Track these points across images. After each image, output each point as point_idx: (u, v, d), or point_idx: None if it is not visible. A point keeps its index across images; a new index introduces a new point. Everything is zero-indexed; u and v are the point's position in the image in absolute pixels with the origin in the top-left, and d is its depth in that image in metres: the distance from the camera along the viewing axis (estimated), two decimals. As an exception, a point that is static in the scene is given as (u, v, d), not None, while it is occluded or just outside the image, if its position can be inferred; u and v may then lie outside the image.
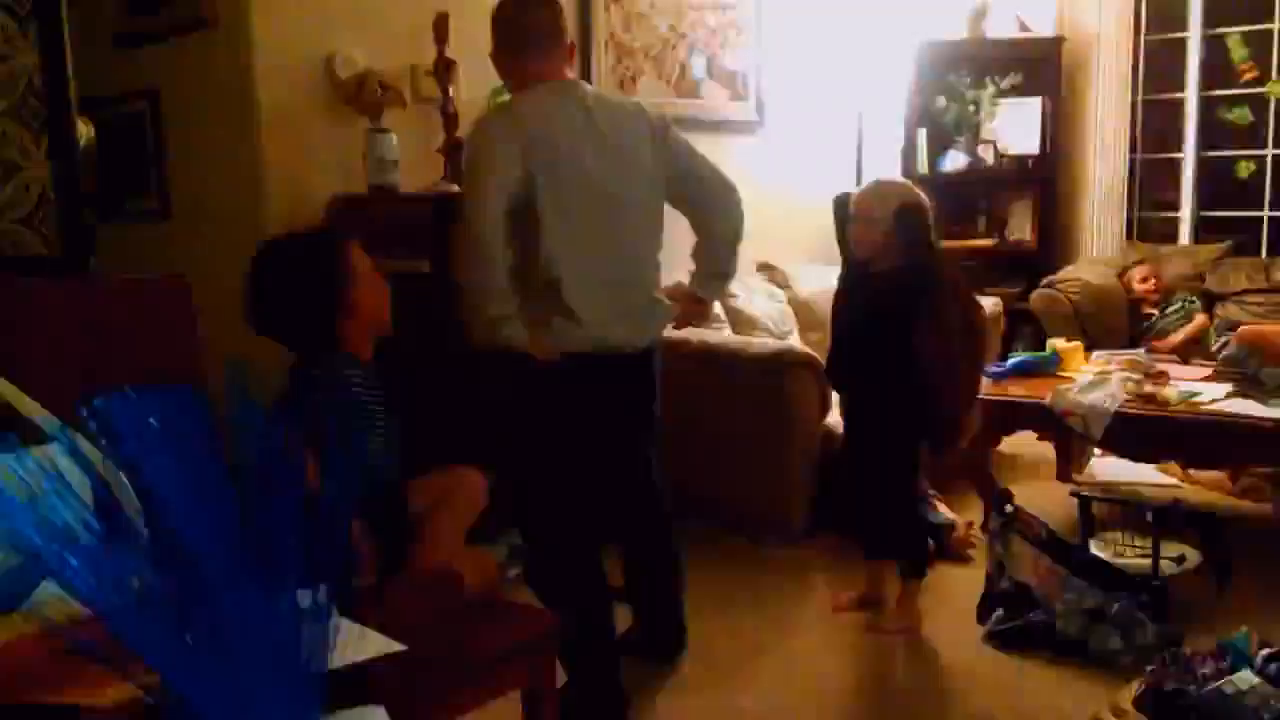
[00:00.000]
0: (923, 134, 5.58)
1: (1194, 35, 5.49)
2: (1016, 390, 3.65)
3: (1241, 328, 3.80)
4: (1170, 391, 3.39)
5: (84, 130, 2.04)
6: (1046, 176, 5.58)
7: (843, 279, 2.97)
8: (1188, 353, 4.03)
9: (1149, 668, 2.14)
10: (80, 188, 1.67)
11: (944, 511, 3.63)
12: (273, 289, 2.03)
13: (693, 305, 2.80)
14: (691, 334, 3.53)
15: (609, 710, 2.48)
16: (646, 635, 2.77)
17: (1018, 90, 5.53)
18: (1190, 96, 5.55)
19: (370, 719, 0.77)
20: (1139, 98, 5.65)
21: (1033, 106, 5.54)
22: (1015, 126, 5.57)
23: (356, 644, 0.91)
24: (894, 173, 5.58)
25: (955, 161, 5.60)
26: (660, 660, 2.73)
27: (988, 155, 5.56)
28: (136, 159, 3.60)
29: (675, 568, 2.79)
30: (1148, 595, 2.76)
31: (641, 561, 2.77)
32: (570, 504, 2.52)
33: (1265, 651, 2.08)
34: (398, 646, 0.93)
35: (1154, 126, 5.74)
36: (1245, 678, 1.96)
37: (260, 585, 0.72)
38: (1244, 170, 5.47)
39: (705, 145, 3.14)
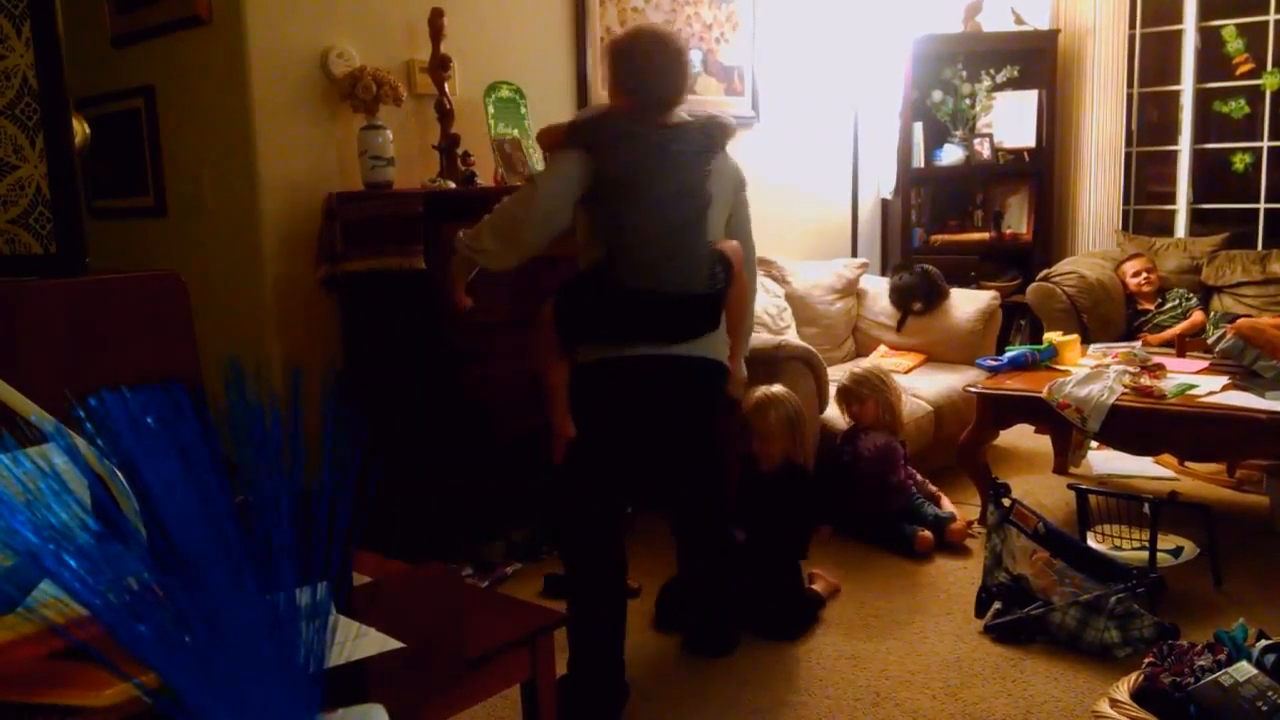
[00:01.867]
0: (919, 128, 5.58)
1: (1189, 27, 5.50)
2: (1013, 384, 3.66)
3: (1238, 320, 3.80)
4: (1166, 384, 3.39)
5: (79, 129, 2.03)
6: (1042, 170, 5.59)
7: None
8: (1183, 346, 4.04)
9: (1146, 660, 2.14)
10: (77, 186, 1.66)
11: (945, 505, 3.64)
12: None
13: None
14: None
15: (606, 700, 2.49)
16: (699, 633, 2.83)
17: (1013, 83, 5.54)
18: (1186, 89, 5.56)
19: (370, 717, 0.77)
20: (1134, 90, 5.66)
21: (1028, 100, 5.55)
22: (1011, 120, 5.58)
23: (355, 642, 0.91)
24: (889, 167, 5.59)
25: (951, 155, 5.60)
26: (709, 656, 2.77)
27: (984, 149, 5.57)
28: (132, 156, 3.60)
29: (725, 568, 2.81)
30: (1145, 588, 2.77)
31: (694, 557, 2.80)
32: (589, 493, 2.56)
33: (1262, 643, 2.08)
34: (397, 644, 0.93)
35: (1149, 119, 5.75)
36: (1243, 669, 1.96)
37: (258, 584, 0.71)
38: (1239, 163, 5.48)
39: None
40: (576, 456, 2.54)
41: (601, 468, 2.54)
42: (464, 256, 2.56)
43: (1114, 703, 1.97)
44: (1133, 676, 2.08)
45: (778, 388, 3.16)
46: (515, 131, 3.70)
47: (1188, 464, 4.17)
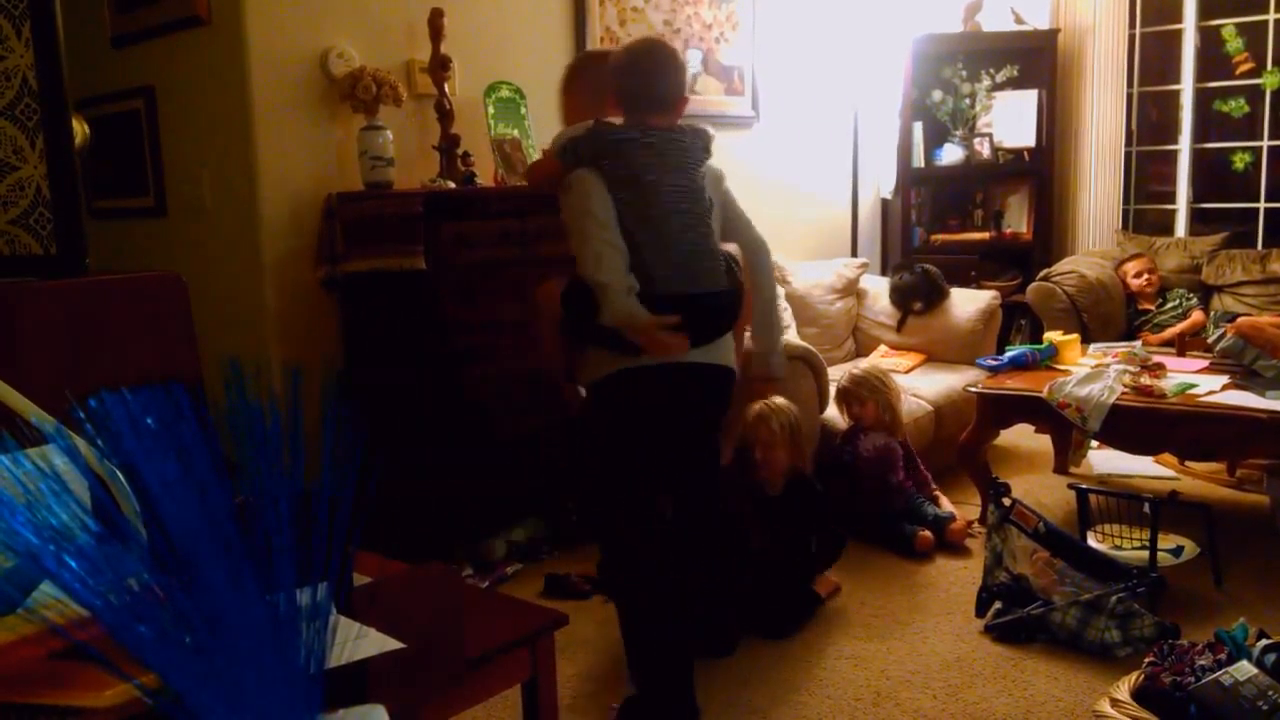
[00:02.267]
0: (918, 128, 5.58)
1: (1189, 27, 5.50)
2: (1013, 383, 3.66)
3: (1238, 319, 3.80)
4: (1167, 383, 3.39)
5: (79, 129, 2.03)
6: (1042, 169, 5.59)
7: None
8: (1184, 346, 4.04)
9: (1146, 660, 2.14)
10: (77, 187, 1.66)
11: (945, 505, 3.64)
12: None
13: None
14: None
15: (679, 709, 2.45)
16: (698, 633, 2.73)
17: (1013, 83, 5.54)
18: (1185, 88, 5.56)
19: (370, 717, 0.77)
20: (1134, 90, 5.66)
21: (1028, 99, 5.55)
22: (1011, 119, 5.58)
23: (356, 642, 0.91)
24: (889, 166, 5.60)
25: (951, 155, 5.60)
26: (709, 657, 2.72)
27: (983, 148, 5.56)
28: (132, 157, 3.60)
29: (725, 568, 2.78)
30: (1145, 587, 2.77)
31: (694, 558, 2.73)
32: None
33: (1263, 642, 2.08)
34: (397, 644, 0.93)
35: (1149, 118, 5.75)
36: (1243, 669, 1.96)
37: (259, 584, 0.71)
38: (1239, 162, 5.47)
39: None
40: (609, 466, 2.53)
41: (636, 471, 2.52)
42: (630, 308, 2.35)
43: (1115, 702, 1.97)
44: (1133, 676, 2.08)
45: (778, 398, 3.15)
46: (515, 132, 3.70)
47: (1188, 463, 4.17)
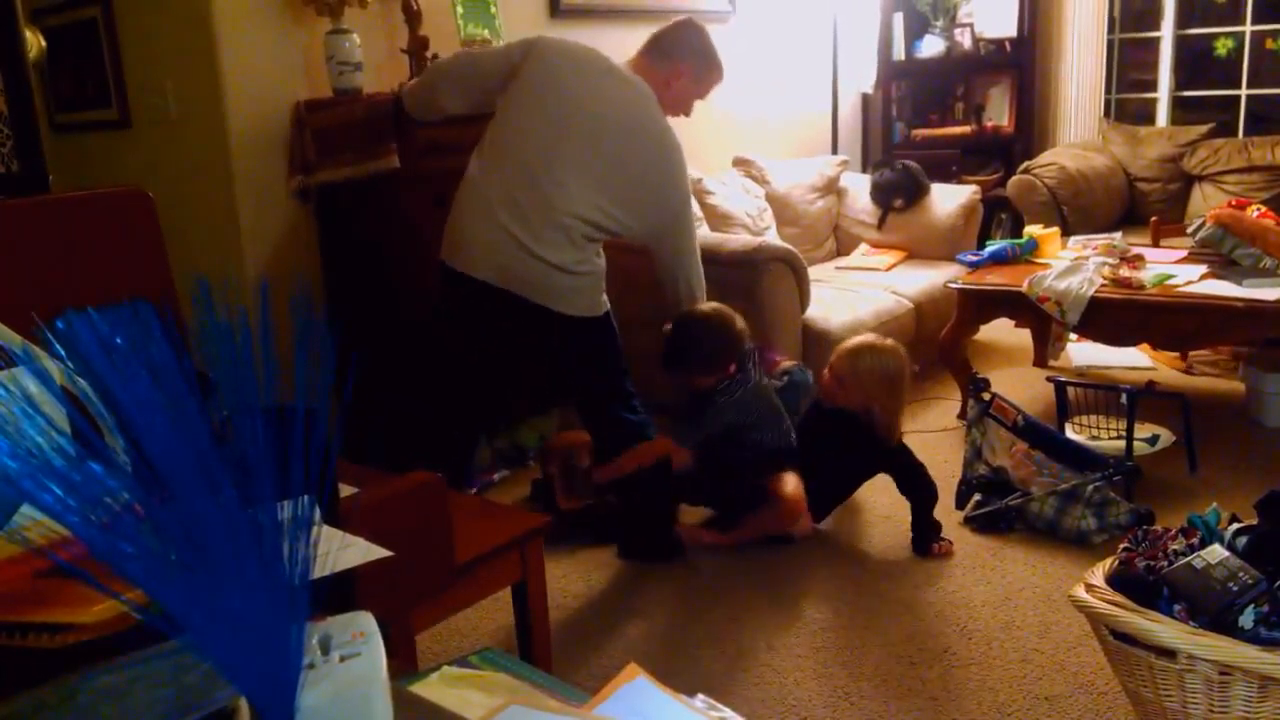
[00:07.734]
0: (899, 19, 5.47)
1: (1174, -92, 5.37)
2: (993, 278, 3.66)
3: (1216, 208, 3.79)
4: (1145, 274, 3.41)
5: (34, 41, 1.97)
6: (1024, 60, 5.51)
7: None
8: (1159, 234, 4.02)
9: (1121, 545, 2.19)
10: (34, 103, 1.61)
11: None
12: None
13: None
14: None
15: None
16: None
17: (995, -29, 5.42)
18: (1169, -28, 5.45)
19: (357, 624, 0.78)
20: (1117, -25, 5.55)
21: (1010, -12, 5.44)
22: (992, 9, 5.47)
23: (341, 551, 0.92)
24: (870, 59, 5.50)
25: (932, 46, 5.51)
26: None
27: (965, 39, 5.47)
28: (92, 67, 3.49)
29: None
30: (1121, 476, 2.83)
31: None
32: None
33: (1234, 526, 2.12)
34: (383, 552, 0.94)
35: (1131, 5, 5.65)
36: (1215, 552, 2.00)
37: (240, 498, 0.71)
38: (1222, 48, 5.40)
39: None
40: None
41: None
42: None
43: (1090, 587, 2.02)
44: (1108, 562, 2.12)
45: (888, 340, 3.03)
46: (485, 32, 3.60)
47: (1156, 351, 4.20)
